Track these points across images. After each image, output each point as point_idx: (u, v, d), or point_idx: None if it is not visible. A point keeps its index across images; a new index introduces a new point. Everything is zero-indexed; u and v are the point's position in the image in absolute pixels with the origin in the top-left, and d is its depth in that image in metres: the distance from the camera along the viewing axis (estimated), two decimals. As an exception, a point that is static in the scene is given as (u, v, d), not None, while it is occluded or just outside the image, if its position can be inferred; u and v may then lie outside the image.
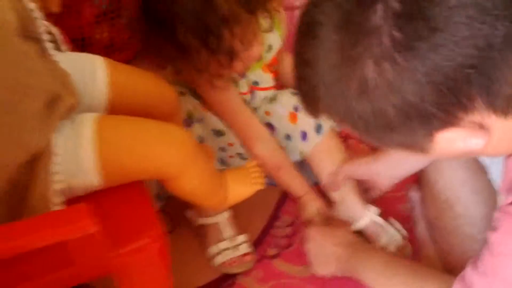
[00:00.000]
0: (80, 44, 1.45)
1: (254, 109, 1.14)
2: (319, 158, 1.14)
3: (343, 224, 1.12)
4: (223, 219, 1.08)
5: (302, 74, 0.58)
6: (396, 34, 0.49)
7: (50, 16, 0.84)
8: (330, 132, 1.14)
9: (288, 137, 1.14)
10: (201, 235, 1.10)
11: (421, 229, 1.13)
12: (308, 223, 1.13)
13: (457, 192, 0.97)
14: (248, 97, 1.13)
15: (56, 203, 0.67)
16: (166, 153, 0.75)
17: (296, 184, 1.15)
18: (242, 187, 0.91)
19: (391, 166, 1.06)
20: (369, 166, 1.08)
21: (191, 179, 0.79)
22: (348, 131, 0.62)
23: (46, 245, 0.51)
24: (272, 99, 1.16)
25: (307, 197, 1.15)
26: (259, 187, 0.92)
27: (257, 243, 1.15)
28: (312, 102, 0.60)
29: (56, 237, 0.52)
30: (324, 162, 1.14)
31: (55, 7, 0.82)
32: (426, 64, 0.49)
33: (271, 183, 1.22)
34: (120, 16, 1.49)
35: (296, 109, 1.13)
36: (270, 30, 1.01)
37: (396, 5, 0.49)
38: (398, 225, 1.13)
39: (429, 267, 0.96)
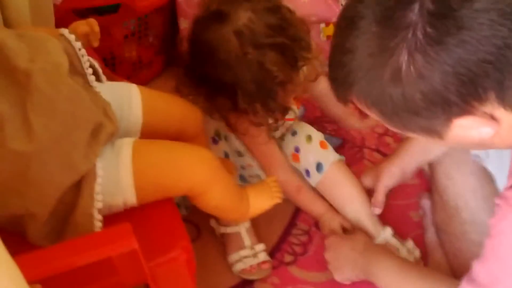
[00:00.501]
0: (111, 62, 1.55)
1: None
2: (327, 191, 1.23)
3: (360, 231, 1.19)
4: (244, 229, 1.16)
5: (339, 61, 0.66)
6: (429, 29, 0.58)
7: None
8: (336, 165, 1.22)
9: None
10: (223, 243, 1.19)
11: (431, 234, 1.18)
12: (328, 234, 1.20)
13: (465, 198, 1.04)
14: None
15: (98, 219, 0.77)
16: (193, 172, 0.84)
17: (316, 203, 1.23)
18: (262, 201, 0.99)
19: (414, 160, 1.16)
20: (400, 173, 1.17)
21: (216, 195, 0.88)
22: (374, 116, 0.71)
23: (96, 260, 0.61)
24: (280, 139, 1.25)
25: (329, 215, 1.22)
26: (277, 201, 1.00)
27: (274, 250, 1.23)
28: (345, 87, 0.68)
29: (104, 254, 0.62)
30: (333, 194, 1.23)
31: (95, 43, 0.92)
32: (453, 57, 0.58)
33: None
34: (147, 35, 1.60)
35: (296, 150, 1.22)
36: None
37: (430, 5, 0.58)
38: (411, 245, 1.18)
39: (438, 272, 1.03)
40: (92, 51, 1.36)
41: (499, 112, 0.63)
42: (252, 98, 0.99)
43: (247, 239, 1.16)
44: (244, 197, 0.96)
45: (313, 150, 1.22)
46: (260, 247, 1.17)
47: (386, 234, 1.18)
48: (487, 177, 1.03)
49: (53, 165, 0.71)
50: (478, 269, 0.77)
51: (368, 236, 1.18)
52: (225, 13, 0.99)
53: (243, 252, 1.15)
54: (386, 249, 1.10)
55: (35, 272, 0.53)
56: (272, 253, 1.22)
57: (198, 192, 0.86)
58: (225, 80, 0.99)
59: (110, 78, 1.30)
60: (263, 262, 1.16)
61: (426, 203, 1.25)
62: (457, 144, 0.76)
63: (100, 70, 0.88)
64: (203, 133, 1.04)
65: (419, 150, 1.15)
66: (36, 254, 0.60)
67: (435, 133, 0.67)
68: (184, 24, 1.59)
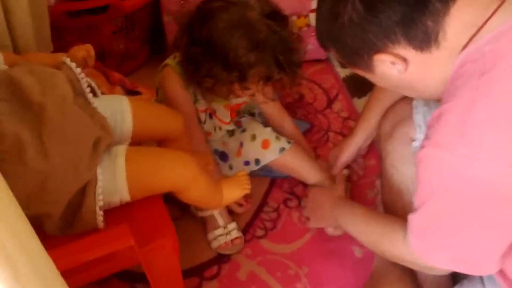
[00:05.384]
0: (101, 55, 1.71)
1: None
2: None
3: (339, 180, 1.42)
4: (217, 211, 1.35)
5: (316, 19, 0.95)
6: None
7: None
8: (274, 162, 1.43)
9: (231, 167, 1.44)
10: (203, 223, 1.39)
11: (380, 211, 1.37)
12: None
13: (407, 184, 1.20)
14: (203, 115, 1.37)
15: (100, 214, 0.95)
16: (175, 175, 1.03)
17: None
18: (234, 192, 1.18)
19: (366, 137, 1.45)
20: (356, 150, 1.47)
21: (195, 191, 1.07)
22: (336, 56, 0.96)
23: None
24: (231, 134, 1.45)
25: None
26: (246, 192, 1.19)
27: (248, 225, 1.43)
28: (318, 36, 0.95)
29: (109, 250, 0.81)
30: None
31: (91, 63, 1.08)
32: (378, 16, 0.82)
33: (262, 174, 1.50)
34: (134, 29, 1.75)
35: (241, 145, 1.42)
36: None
37: None
38: None
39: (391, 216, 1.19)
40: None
41: (410, 53, 0.85)
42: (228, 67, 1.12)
43: (220, 220, 1.36)
44: (219, 190, 1.15)
45: (255, 148, 1.41)
46: (232, 225, 1.37)
47: None
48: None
49: (64, 177, 0.89)
50: (415, 200, 0.94)
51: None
52: None
53: (218, 231, 1.35)
54: (352, 202, 1.28)
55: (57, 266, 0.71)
56: (246, 228, 1.43)
57: (181, 190, 1.05)
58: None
59: (103, 73, 1.48)
60: (236, 238, 1.35)
61: (379, 184, 1.45)
62: (386, 81, 0.95)
63: (96, 88, 1.05)
64: (184, 136, 1.21)
65: (370, 129, 1.42)
66: (57, 252, 0.79)
67: (368, 68, 0.92)
68: (167, 19, 1.75)
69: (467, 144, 0.78)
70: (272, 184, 1.54)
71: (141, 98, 1.59)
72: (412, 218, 0.94)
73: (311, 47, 1.86)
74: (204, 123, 1.38)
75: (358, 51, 0.89)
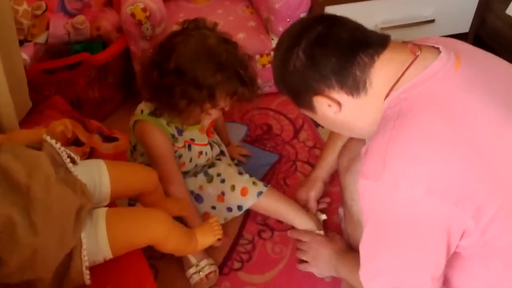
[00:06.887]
0: (77, 104, 1.82)
1: (190, 163, 1.52)
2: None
3: (333, 235, 1.53)
4: None
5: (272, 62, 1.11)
6: (307, 50, 0.99)
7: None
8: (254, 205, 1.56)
9: (213, 208, 1.56)
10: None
11: (345, 238, 1.51)
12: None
13: None
14: (183, 150, 1.49)
15: (87, 273, 1.06)
16: (152, 232, 1.14)
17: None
18: (207, 238, 1.30)
19: (329, 171, 1.62)
20: (322, 184, 1.62)
21: (171, 243, 1.18)
22: (289, 99, 1.09)
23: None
24: (210, 179, 1.57)
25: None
26: (219, 237, 1.32)
27: (226, 259, 1.54)
28: (274, 78, 1.09)
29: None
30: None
31: (69, 135, 1.19)
32: (317, 65, 0.98)
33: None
34: (107, 78, 1.85)
35: (223, 193, 1.55)
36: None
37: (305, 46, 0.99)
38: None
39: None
40: (63, 100, 1.62)
41: (343, 98, 1.00)
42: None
43: (193, 259, 1.48)
44: (193, 238, 1.27)
45: (235, 197, 1.54)
46: (204, 262, 1.48)
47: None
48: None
49: (52, 246, 0.99)
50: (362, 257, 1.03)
51: None
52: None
53: (191, 270, 1.47)
54: (353, 257, 1.33)
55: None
56: (224, 261, 1.54)
57: (157, 243, 1.17)
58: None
59: (81, 123, 1.58)
60: (209, 273, 1.47)
61: (341, 211, 1.58)
62: (326, 121, 1.09)
63: (75, 157, 1.15)
64: (159, 188, 1.33)
65: (329, 167, 1.60)
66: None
67: (310, 108, 1.05)
68: (138, 67, 1.84)
69: (388, 174, 0.90)
70: (246, 216, 1.66)
71: (118, 144, 1.70)
72: (360, 246, 1.04)
73: (276, 80, 1.98)
74: (180, 158, 1.50)
75: (300, 93, 1.04)
